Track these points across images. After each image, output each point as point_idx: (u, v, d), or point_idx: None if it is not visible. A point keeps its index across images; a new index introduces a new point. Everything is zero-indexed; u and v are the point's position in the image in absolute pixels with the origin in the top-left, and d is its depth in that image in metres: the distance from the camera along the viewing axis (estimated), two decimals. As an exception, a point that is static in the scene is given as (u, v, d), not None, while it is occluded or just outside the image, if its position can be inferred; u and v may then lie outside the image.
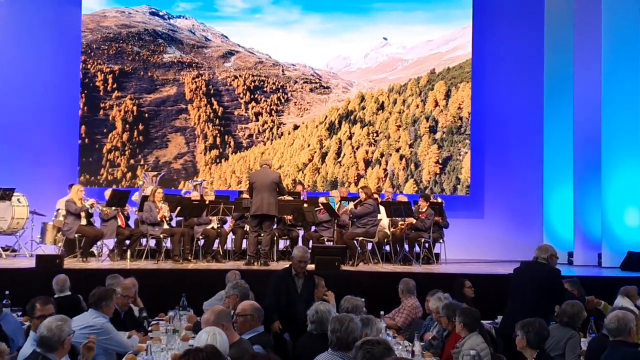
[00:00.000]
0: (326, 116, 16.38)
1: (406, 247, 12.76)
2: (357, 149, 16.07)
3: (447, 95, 16.22)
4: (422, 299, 8.25)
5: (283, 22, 16.64)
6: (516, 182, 15.70)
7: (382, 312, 7.67)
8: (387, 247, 13.15)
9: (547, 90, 15.13)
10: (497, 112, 15.96)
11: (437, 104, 16.17)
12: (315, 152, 15.97)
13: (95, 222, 12.48)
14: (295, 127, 16.34)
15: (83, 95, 15.55)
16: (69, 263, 11.14)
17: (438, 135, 16.06)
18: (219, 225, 12.75)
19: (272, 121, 16.24)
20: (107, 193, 12.75)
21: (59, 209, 13.16)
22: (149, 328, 7.29)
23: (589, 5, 14.17)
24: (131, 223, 12.93)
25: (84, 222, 12.08)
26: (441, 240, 13.18)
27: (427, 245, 12.81)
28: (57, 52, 15.50)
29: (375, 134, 16.19)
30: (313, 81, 16.66)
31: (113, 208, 12.33)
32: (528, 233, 14.49)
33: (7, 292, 7.44)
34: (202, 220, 12.50)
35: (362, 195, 12.47)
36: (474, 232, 14.93)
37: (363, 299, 6.87)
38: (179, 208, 12.20)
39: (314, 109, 16.51)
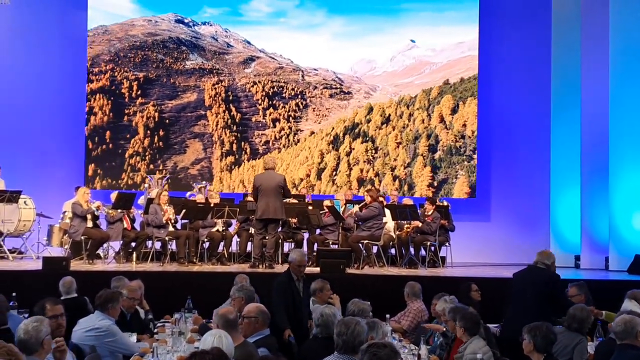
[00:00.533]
0: (333, 127, 16.30)
1: (412, 250, 12.74)
2: (355, 165, 15.95)
3: (454, 111, 16.08)
4: (428, 303, 8.22)
5: (307, 26, 16.58)
6: (523, 185, 15.66)
7: (387, 316, 7.64)
8: (393, 251, 13.11)
9: (554, 93, 15.10)
10: (504, 115, 15.93)
11: (442, 120, 16.05)
12: (313, 167, 15.87)
13: (101, 225, 12.50)
14: (312, 134, 16.29)
15: (109, 102, 15.72)
16: (75, 265, 11.16)
17: (437, 155, 15.96)
18: (224, 227, 12.75)
19: (289, 127, 16.22)
20: (113, 196, 12.77)
21: (65, 212, 13.19)
22: (155, 330, 7.29)
23: (596, 8, 14.15)
24: (137, 225, 12.95)
25: (90, 224, 12.11)
26: (447, 244, 13.15)
27: (432, 248, 12.79)
28: (64, 56, 15.54)
29: (374, 151, 16.12)
30: (333, 86, 16.56)
31: (119, 210, 12.37)
32: (535, 236, 14.44)
33: (13, 294, 7.45)
34: (207, 222, 12.51)
35: (368, 198, 12.45)
36: (480, 235, 14.90)
37: (368, 302, 6.85)
38: (184, 211, 12.21)
39: (332, 115, 16.46)
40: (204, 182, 14.45)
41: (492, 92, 16.00)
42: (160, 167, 15.38)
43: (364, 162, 16.07)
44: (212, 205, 12.38)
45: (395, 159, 16.03)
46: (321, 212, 12.73)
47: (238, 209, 12.37)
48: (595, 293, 8.34)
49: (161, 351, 5.74)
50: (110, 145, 15.67)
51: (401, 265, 12.54)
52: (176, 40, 16.25)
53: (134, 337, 6.60)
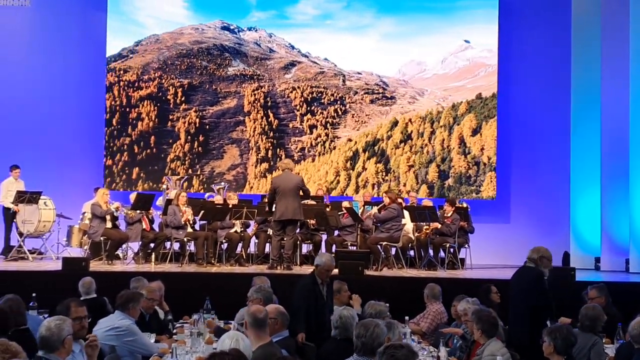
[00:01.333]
0: (355, 142, 16.16)
1: (431, 252, 12.68)
2: (362, 188, 15.73)
3: (475, 132, 15.89)
4: (447, 305, 8.19)
5: (355, 27, 16.42)
6: (543, 187, 15.56)
7: (406, 318, 7.62)
8: (412, 252, 13.06)
9: (574, 94, 14.97)
10: (524, 116, 15.84)
11: (461, 141, 15.80)
12: (322, 188, 15.61)
13: (120, 226, 12.58)
14: (349, 141, 16.21)
15: (156, 107, 15.90)
16: (95, 266, 11.21)
17: (447, 182, 15.75)
18: (242, 229, 12.77)
19: (326, 134, 16.18)
20: (132, 197, 12.83)
21: (84, 212, 13.28)
22: (174, 331, 7.31)
23: (616, 11, 14.03)
24: (155, 226, 13.00)
25: (109, 225, 12.19)
26: (466, 245, 13.08)
27: (452, 250, 12.72)
28: (84, 57, 15.63)
29: (384, 173, 15.94)
30: (375, 91, 16.38)
31: (138, 211, 12.43)
32: (554, 238, 14.30)
33: (33, 295, 7.49)
34: (225, 224, 12.53)
35: (386, 200, 12.42)
36: (499, 237, 14.82)
37: (387, 304, 6.82)
38: (202, 212, 12.24)
39: (372, 122, 16.30)
40: (222, 184, 14.48)
41: (512, 93, 15.91)
42: (198, 172, 15.54)
43: (372, 185, 15.90)
44: (230, 206, 12.40)
45: (404, 184, 15.82)
46: (339, 213, 12.71)
47: (256, 210, 12.38)
48: (615, 295, 8.25)
49: (180, 352, 5.76)
50: (154, 149, 15.86)
51: (420, 267, 12.50)
52: (220, 47, 16.37)
53: (152, 338, 6.62)
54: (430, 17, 16.26)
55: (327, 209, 12.75)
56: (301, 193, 11.50)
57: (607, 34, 14.12)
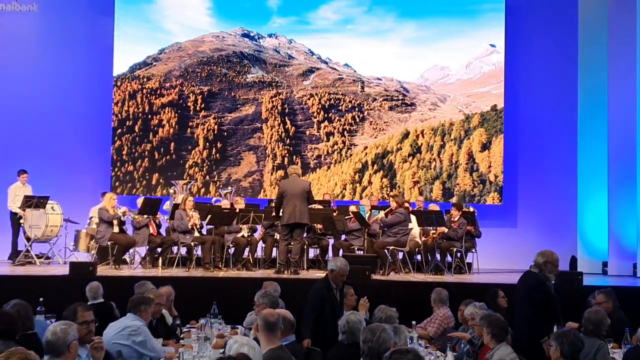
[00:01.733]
0: (366, 153, 16.07)
1: (438, 256, 12.67)
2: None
3: (485, 147, 15.79)
4: (454, 309, 8.18)
5: (376, 32, 16.26)
6: (550, 191, 15.53)
7: (414, 322, 7.61)
8: (419, 257, 13.04)
9: (581, 98, 14.92)
10: (531, 121, 15.82)
11: (470, 157, 15.67)
12: (329, 193, 15.37)
13: (127, 230, 12.60)
14: (366, 149, 16.11)
15: (176, 114, 15.98)
16: (102, 270, 11.23)
17: (451, 200, 15.44)
18: (249, 233, 12.77)
19: (343, 142, 16.13)
20: (139, 201, 12.85)
21: (92, 217, 13.31)
22: (181, 335, 7.32)
23: (623, 14, 14.02)
24: (162, 231, 13.02)
25: (116, 229, 12.21)
26: (473, 250, 13.06)
27: (459, 254, 12.71)
28: (92, 62, 15.66)
29: (388, 188, 15.79)
30: (395, 98, 16.27)
31: (145, 216, 12.45)
32: (562, 242, 14.26)
33: (41, 299, 7.50)
34: (232, 228, 12.54)
35: (393, 204, 12.42)
36: (506, 241, 14.78)
37: (394, 309, 6.81)
38: (209, 216, 12.26)
39: (390, 129, 16.18)
40: (229, 188, 14.49)
41: (519, 98, 15.88)
42: (215, 178, 15.54)
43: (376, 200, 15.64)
44: (237, 210, 12.41)
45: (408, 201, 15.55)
46: (346, 217, 12.71)
47: (263, 215, 12.39)
48: (623, 300, 8.24)
49: (187, 356, 5.77)
50: (174, 156, 15.92)
51: (427, 272, 12.48)
52: (240, 55, 16.41)
53: (159, 343, 6.62)
54: (454, 20, 16.08)
55: (334, 214, 12.75)
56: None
57: (614, 39, 14.09)
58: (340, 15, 16.36)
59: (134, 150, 15.76)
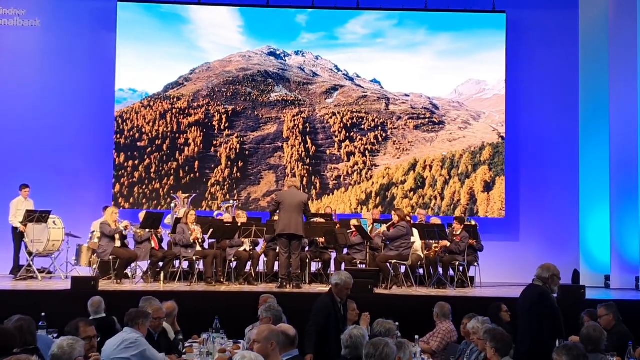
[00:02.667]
0: (373, 182, 15.83)
1: (440, 270, 12.64)
2: None
3: (488, 187, 15.61)
4: (457, 323, 8.15)
5: (407, 45, 16.02)
6: (552, 205, 15.52)
7: (416, 337, 7.58)
8: (421, 271, 13.03)
9: (582, 111, 14.96)
10: (532, 134, 15.83)
11: (471, 197, 15.41)
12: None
13: (129, 244, 12.59)
14: (387, 170, 15.88)
15: (202, 134, 16.00)
16: (104, 285, 11.21)
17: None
18: (251, 247, 12.76)
19: (364, 162, 15.97)
20: (141, 215, 12.85)
21: (93, 231, 13.32)
22: (183, 350, 7.29)
23: (624, 25, 14.06)
24: (164, 245, 13.01)
25: (118, 244, 12.21)
26: (476, 264, 13.03)
27: (461, 268, 12.68)
28: (93, 76, 15.69)
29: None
30: (421, 116, 16.01)
31: (147, 230, 12.45)
32: (564, 256, 14.26)
33: (43, 314, 7.48)
34: (234, 242, 12.54)
35: (395, 218, 12.40)
36: (509, 255, 14.77)
37: (397, 323, 6.79)
38: (211, 230, 12.25)
39: (415, 150, 15.95)
40: (231, 202, 14.49)
41: (520, 110, 15.90)
42: (236, 197, 15.48)
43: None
44: (239, 224, 12.40)
45: None
46: (348, 231, 12.69)
47: (265, 229, 12.38)
48: (625, 313, 8.19)
49: (189, 371, 5.74)
50: (198, 174, 15.90)
51: (429, 286, 12.46)
52: (264, 74, 16.37)
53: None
54: (490, 32, 15.83)
55: (337, 227, 12.74)
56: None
57: (616, 50, 14.12)
58: (369, 29, 16.20)
59: (161, 169, 15.78)
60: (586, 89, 14.88)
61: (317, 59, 16.55)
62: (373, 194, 15.73)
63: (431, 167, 15.89)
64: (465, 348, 7.32)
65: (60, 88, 15.56)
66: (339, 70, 16.51)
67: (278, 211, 11.57)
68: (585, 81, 14.88)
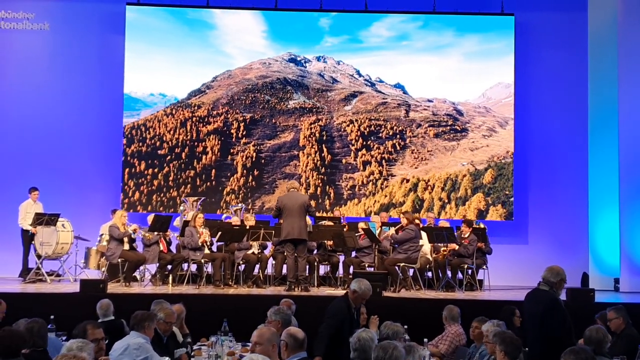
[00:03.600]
0: (376, 200, 15.49)
1: (449, 273, 12.62)
2: None
3: (480, 215, 15.30)
4: (465, 326, 8.13)
5: (433, 47, 15.72)
6: (561, 207, 15.47)
7: (425, 340, 7.55)
8: (429, 274, 13.01)
9: (591, 114, 14.92)
10: (541, 137, 15.79)
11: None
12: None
13: (137, 247, 12.61)
14: (404, 180, 15.56)
15: (219, 142, 15.95)
16: (112, 288, 11.23)
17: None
18: (260, 250, 12.76)
19: (380, 172, 15.73)
20: (150, 218, 12.87)
21: (102, 234, 13.33)
22: (192, 353, 7.29)
23: (633, 28, 14.04)
24: (173, 248, 13.03)
25: (126, 247, 12.24)
26: (484, 267, 13.01)
27: (470, 271, 12.66)
28: (102, 80, 15.73)
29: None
30: (443, 123, 15.69)
31: (155, 233, 12.47)
32: (573, 259, 14.21)
33: (52, 317, 7.50)
34: (242, 245, 12.54)
35: (404, 221, 12.38)
36: (517, 258, 14.72)
37: (406, 326, 6.77)
38: (219, 233, 12.25)
39: (434, 159, 15.66)
40: (239, 205, 14.50)
41: (529, 114, 15.86)
42: (250, 206, 15.38)
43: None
44: (247, 227, 12.40)
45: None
46: (357, 234, 12.68)
47: (273, 231, 12.37)
48: (635, 317, 8.16)
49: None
50: (214, 182, 15.86)
51: (438, 289, 12.44)
52: (283, 81, 16.23)
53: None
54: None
55: (345, 230, 12.72)
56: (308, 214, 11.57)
57: (625, 53, 14.09)
58: (394, 32, 15.90)
59: (179, 177, 15.76)
60: (595, 91, 14.84)
61: (339, 64, 16.36)
62: (372, 214, 15.16)
63: (432, 188, 15.60)
64: (474, 351, 7.29)
65: (69, 91, 15.61)
66: (360, 75, 16.32)
67: (280, 216, 11.54)
68: (594, 84, 14.84)
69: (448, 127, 15.79)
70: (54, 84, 15.63)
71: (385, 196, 15.62)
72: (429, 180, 15.69)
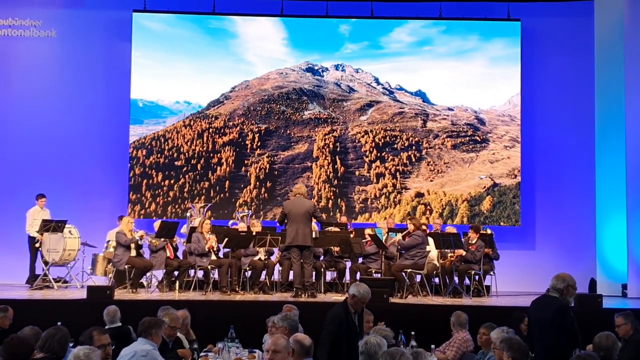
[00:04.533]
0: (387, 217, 15.05)
1: (456, 279, 12.59)
2: None
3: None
4: (473, 333, 8.10)
5: (457, 52, 15.45)
6: (568, 213, 15.43)
7: (432, 346, 7.53)
8: (437, 280, 12.98)
9: (598, 119, 14.88)
10: (548, 142, 15.76)
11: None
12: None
13: (144, 254, 12.63)
14: (419, 195, 15.34)
15: (234, 153, 15.91)
16: (119, 294, 11.24)
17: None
18: (266, 256, 12.75)
19: (393, 185, 15.50)
20: (156, 225, 12.88)
21: (109, 241, 13.36)
22: (199, 359, 7.29)
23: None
24: (179, 254, 13.03)
25: (133, 253, 12.25)
26: (492, 273, 12.96)
27: (477, 277, 12.62)
28: (109, 86, 15.77)
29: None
30: (462, 133, 15.39)
31: (162, 239, 12.47)
32: (581, 265, 14.19)
33: (59, 323, 7.49)
34: (249, 251, 12.54)
35: (410, 227, 12.36)
36: (525, 264, 14.69)
37: (413, 332, 6.75)
38: (226, 239, 12.26)
39: (451, 172, 15.37)
40: (246, 211, 14.50)
41: (535, 118, 15.84)
42: (262, 219, 15.26)
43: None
44: (254, 233, 12.40)
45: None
46: (363, 240, 12.67)
47: (280, 238, 12.36)
48: (643, 323, 8.11)
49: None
50: (227, 194, 15.80)
51: (445, 295, 12.40)
52: (299, 91, 16.11)
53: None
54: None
55: (351, 236, 12.71)
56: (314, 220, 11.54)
57: (631, 59, 14.06)
58: (416, 37, 15.66)
59: (193, 188, 15.75)
60: (602, 96, 14.81)
61: (357, 72, 16.17)
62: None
63: (431, 212, 15.37)
64: (482, 358, 7.27)
65: (76, 98, 15.64)
66: (379, 83, 16.10)
67: (286, 222, 11.51)
68: (601, 89, 14.81)
69: (467, 138, 15.51)
70: (61, 90, 15.67)
71: (385, 218, 15.07)
72: (428, 204, 15.38)
